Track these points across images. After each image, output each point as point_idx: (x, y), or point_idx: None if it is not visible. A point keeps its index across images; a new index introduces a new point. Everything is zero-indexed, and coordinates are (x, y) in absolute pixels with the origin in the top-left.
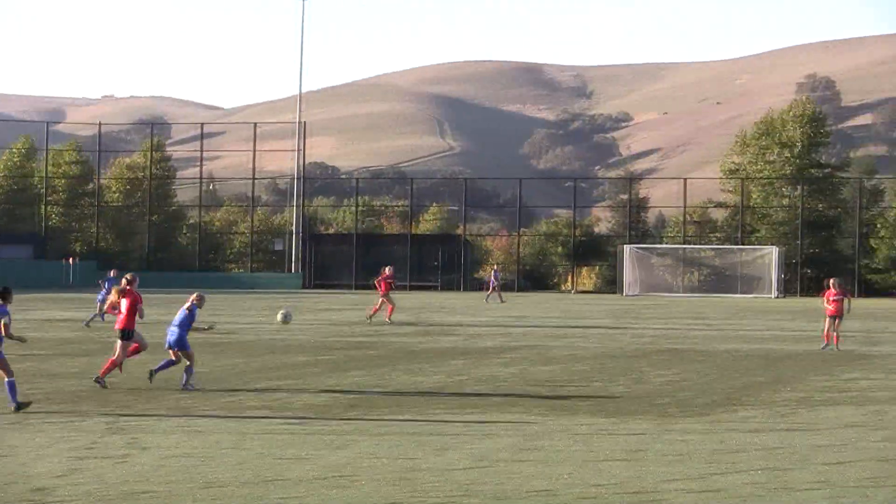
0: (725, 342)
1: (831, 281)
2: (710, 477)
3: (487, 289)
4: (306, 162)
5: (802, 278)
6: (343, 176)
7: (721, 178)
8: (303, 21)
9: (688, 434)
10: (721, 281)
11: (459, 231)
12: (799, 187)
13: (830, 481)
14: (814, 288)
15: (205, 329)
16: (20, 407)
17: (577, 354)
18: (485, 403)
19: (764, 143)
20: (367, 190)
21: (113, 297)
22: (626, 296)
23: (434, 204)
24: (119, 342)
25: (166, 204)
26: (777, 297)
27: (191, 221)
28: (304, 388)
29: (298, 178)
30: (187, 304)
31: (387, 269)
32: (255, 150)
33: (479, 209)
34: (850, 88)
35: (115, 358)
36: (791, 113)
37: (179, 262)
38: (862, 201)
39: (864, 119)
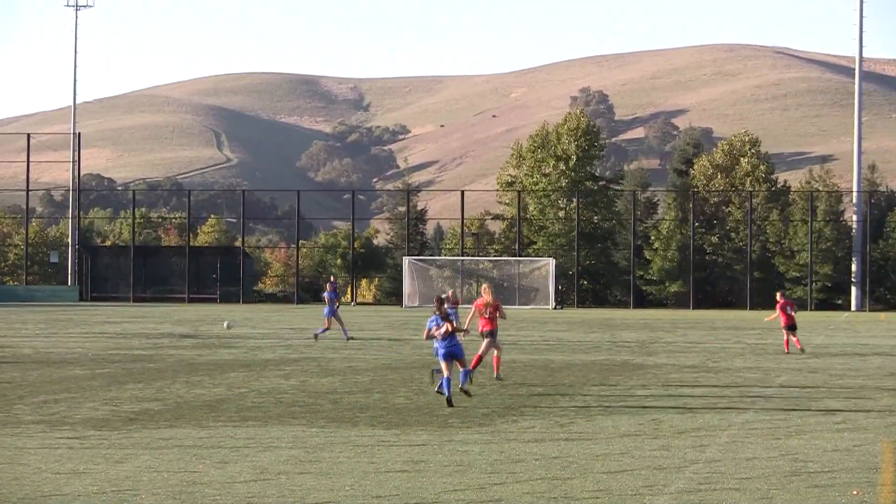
0: (505, 353)
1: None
2: (490, 487)
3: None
4: (82, 173)
5: (579, 290)
6: (119, 188)
7: (498, 191)
8: (76, 31)
9: (468, 445)
10: (499, 292)
11: (238, 243)
12: (574, 200)
13: (609, 489)
14: (590, 299)
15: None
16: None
17: (356, 366)
18: (266, 415)
19: (539, 155)
20: (143, 202)
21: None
22: (407, 307)
23: (212, 216)
24: (485, 340)
25: None
26: (555, 309)
27: None
28: (82, 401)
29: (74, 190)
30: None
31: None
32: (28, 162)
33: (258, 221)
34: (623, 103)
35: (480, 353)
36: (565, 126)
37: None
38: (636, 214)
39: (637, 133)
